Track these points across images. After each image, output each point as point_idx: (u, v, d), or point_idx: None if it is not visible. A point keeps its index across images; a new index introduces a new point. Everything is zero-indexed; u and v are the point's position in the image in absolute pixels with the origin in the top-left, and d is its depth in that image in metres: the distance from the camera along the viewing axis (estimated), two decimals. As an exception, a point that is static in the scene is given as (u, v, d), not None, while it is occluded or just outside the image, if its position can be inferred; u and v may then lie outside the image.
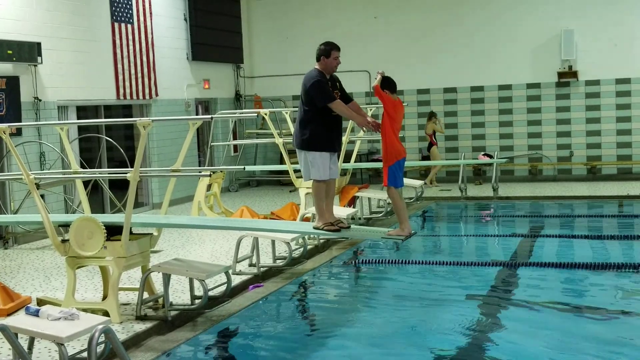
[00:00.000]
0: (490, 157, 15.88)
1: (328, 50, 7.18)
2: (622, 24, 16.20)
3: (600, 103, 16.52)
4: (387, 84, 7.08)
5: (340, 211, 9.47)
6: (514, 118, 17.07)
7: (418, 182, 13.57)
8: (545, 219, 12.79)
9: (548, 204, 13.91)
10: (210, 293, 7.09)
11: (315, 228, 7.21)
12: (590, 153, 16.70)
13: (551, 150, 16.93)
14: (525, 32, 16.77)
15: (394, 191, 7.01)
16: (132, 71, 13.87)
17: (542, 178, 16.97)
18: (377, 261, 9.53)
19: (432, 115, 16.70)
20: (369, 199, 12.54)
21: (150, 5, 14.43)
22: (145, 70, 14.25)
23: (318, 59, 7.22)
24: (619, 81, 16.34)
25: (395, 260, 9.51)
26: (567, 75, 16.54)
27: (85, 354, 5.24)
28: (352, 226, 7.59)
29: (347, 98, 7.31)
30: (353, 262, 9.70)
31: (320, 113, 7.02)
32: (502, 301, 7.51)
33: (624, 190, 14.54)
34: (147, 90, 14.29)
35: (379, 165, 16.73)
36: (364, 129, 7.64)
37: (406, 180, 14.02)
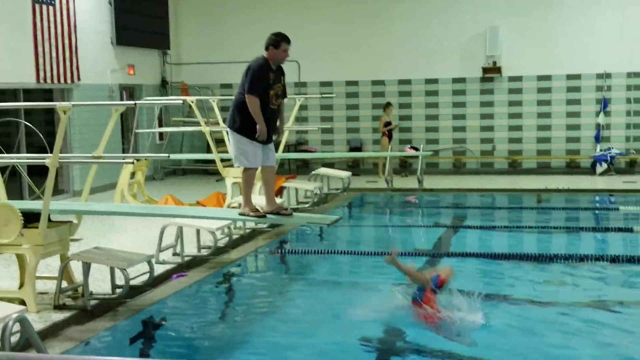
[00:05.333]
0: (416, 149, 16.10)
1: (278, 42, 7.11)
2: (545, 23, 16.65)
3: (522, 99, 16.96)
4: None
5: (262, 200, 9.42)
6: (440, 112, 17.36)
7: (345, 173, 13.65)
8: (468, 211, 13.07)
9: (471, 196, 14.21)
10: (133, 282, 6.97)
11: (241, 214, 7.17)
12: (512, 147, 17.14)
13: (475, 144, 17.28)
14: (452, 27, 17.04)
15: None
16: (53, 54, 13.46)
17: (466, 171, 17.32)
18: (302, 251, 9.54)
19: (385, 106, 16.83)
20: (296, 189, 12.54)
21: (73, -14, 14.01)
22: (67, 53, 13.84)
23: (267, 48, 7.13)
24: (540, 78, 16.81)
25: (321, 250, 9.53)
26: (491, 71, 16.90)
27: (-2, 344, 5.06)
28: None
29: (285, 94, 7.33)
30: (279, 251, 9.68)
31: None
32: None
33: (543, 183, 14.97)
34: (68, 74, 13.89)
35: (307, 155, 16.83)
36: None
37: (333, 171, 14.14)
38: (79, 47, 14.20)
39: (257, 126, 6.94)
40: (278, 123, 7.42)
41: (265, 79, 7.01)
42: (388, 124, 16.77)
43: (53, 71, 13.46)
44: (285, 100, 7.49)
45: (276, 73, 7.15)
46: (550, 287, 7.77)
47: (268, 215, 7.18)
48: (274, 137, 7.30)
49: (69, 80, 13.92)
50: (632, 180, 15.35)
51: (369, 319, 6.50)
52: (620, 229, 10.71)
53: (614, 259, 8.56)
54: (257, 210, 7.16)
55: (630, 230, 10.61)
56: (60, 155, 6.56)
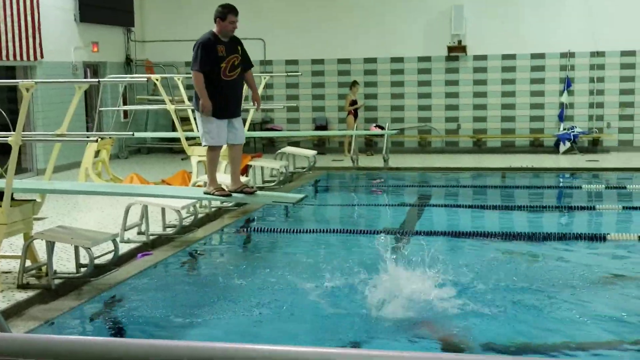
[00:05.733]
0: (382, 128, 16.16)
1: (225, 13, 7.07)
2: (510, 1, 16.76)
3: (487, 78, 17.09)
4: None
5: (228, 179, 9.42)
6: (405, 90, 17.41)
7: (311, 152, 13.66)
8: (433, 189, 13.19)
9: (436, 175, 14.34)
10: (97, 261, 6.94)
11: (206, 193, 7.17)
12: (477, 126, 17.28)
13: (440, 123, 17.40)
14: (418, 5, 17.06)
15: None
16: (16, 31, 13.20)
17: (431, 150, 17.44)
18: (269, 230, 9.56)
19: (351, 85, 16.81)
20: (262, 168, 12.53)
21: (34, -39, 13.73)
22: (30, 30, 13.59)
23: (215, 21, 7.10)
24: (504, 57, 16.93)
25: (287, 229, 9.56)
26: (456, 50, 16.98)
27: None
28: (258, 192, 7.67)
29: (247, 63, 7.26)
30: (245, 230, 9.69)
31: (211, 78, 6.95)
32: (390, 268, 7.68)
33: (507, 162, 15.15)
34: (31, 52, 13.65)
35: (273, 134, 16.79)
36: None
37: (299, 150, 14.15)
38: (42, 24, 13.94)
39: (200, 101, 6.93)
40: (251, 93, 7.46)
41: (212, 53, 6.98)
42: (354, 102, 16.81)
43: (15, 48, 13.22)
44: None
45: (229, 45, 7.10)
46: (514, 263, 7.90)
47: (233, 194, 7.20)
48: (258, 111, 7.32)
49: (31, 58, 13.68)
50: (594, 158, 15.61)
51: (335, 298, 6.56)
52: (582, 207, 10.92)
53: (577, 237, 8.73)
54: (222, 189, 7.17)
55: (592, 208, 10.84)
56: (23, 133, 6.49)
